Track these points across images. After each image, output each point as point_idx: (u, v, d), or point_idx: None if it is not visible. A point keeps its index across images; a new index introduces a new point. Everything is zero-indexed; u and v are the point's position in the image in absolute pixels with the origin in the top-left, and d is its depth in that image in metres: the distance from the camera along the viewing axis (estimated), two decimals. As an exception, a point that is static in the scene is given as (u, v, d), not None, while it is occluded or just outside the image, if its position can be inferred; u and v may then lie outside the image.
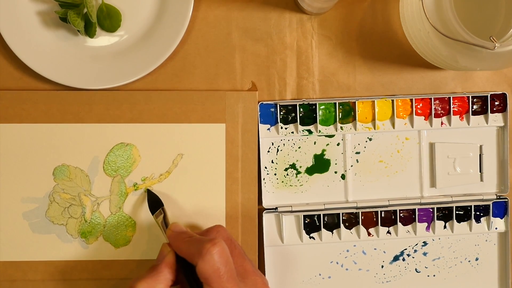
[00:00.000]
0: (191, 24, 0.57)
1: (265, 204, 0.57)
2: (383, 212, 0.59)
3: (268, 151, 0.58)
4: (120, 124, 0.56)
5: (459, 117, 0.59)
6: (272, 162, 0.58)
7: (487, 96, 0.58)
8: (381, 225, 0.58)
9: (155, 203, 0.55)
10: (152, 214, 0.54)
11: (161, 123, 0.56)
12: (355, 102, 0.58)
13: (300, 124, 0.57)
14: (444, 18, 0.48)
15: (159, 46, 0.56)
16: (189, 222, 0.56)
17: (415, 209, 0.58)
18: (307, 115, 0.58)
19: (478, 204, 0.59)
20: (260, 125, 0.57)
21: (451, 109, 0.58)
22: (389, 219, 0.59)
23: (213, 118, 0.57)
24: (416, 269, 0.59)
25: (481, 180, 0.59)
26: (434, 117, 0.58)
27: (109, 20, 0.56)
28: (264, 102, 0.57)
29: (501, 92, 0.58)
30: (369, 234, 0.58)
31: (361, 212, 0.58)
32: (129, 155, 0.57)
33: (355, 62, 0.58)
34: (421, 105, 0.58)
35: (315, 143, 0.58)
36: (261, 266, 0.57)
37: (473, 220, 0.59)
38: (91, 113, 0.56)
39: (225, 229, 0.51)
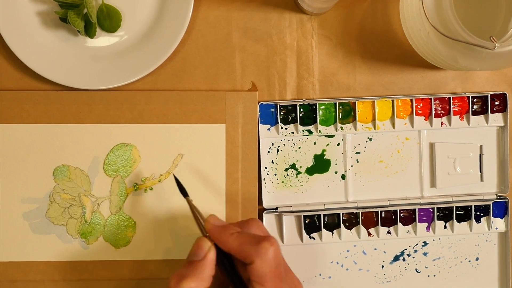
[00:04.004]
0: (191, 25, 0.57)
1: (265, 204, 0.57)
2: (383, 212, 0.59)
3: (268, 151, 0.58)
4: (120, 125, 0.56)
5: (459, 117, 0.59)
6: (272, 162, 0.58)
7: (487, 96, 0.58)
8: (381, 225, 0.58)
9: (183, 188, 0.52)
10: (185, 197, 0.51)
11: (161, 123, 0.56)
12: (355, 102, 0.58)
13: (300, 124, 0.57)
14: (444, 18, 0.48)
15: (159, 46, 0.56)
16: (189, 223, 0.56)
17: (415, 209, 0.58)
18: (307, 115, 0.58)
19: (478, 204, 0.59)
20: (260, 125, 0.57)
21: (451, 109, 0.58)
22: (389, 219, 0.59)
23: (213, 119, 0.57)
24: (416, 269, 0.59)
25: (481, 180, 0.59)
26: (434, 117, 0.58)
27: (109, 21, 0.56)
28: (264, 102, 0.57)
29: (501, 92, 0.58)
30: (369, 234, 0.58)
31: (361, 212, 0.58)
32: (129, 155, 0.57)
33: (355, 62, 0.58)
34: (421, 105, 0.58)
35: (315, 143, 0.58)
36: (262, 266, 0.57)
37: (473, 220, 0.59)
38: (91, 114, 0.56)
39: (263, 225, 0.49)
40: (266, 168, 0.58)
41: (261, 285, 0.44)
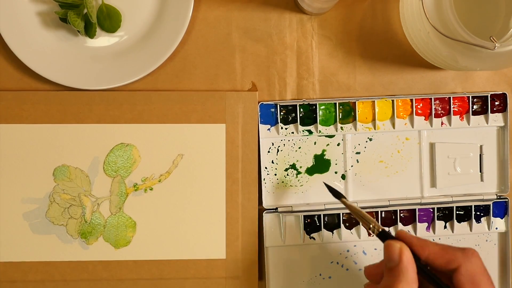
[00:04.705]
0: (191, 25, 0.57)
1: (266, 204, 0.57)
2: (383, 212, 0.58)
3: (269, 152, 0.58)
4: (120, 125, 0.56)
5: (459, 117, 0.59)
6: (272, 162, 0.58)
7: (487, 96, 0.58)
8: (381, 225, 0.58)
9: (337, 194, 0.52)
10: (340, 198, 0.52)
11: (161, 124, 0.56)
12: (355, 102, 0.58)
13: (300, 124, 0.57)
14: (444, 18, 0.48)
15: (159, 46, 0.56)
16: (189, 223, 0.56)
17: (415, 209, 0.58)
18: (307, 115, 0.58)
19: (479, 204, 0.59)
20: (260, 125, 0.57)
21: (451, 109, 0.58)
22: (390, 219, 0.59)
23: (213, 119, 0.57)
24: (416, 269, 0.59)
25: (482, 180, 0.59)
26: (434, 117, 0.58)
27: (109, 21, 0.56)
28: (264, 103, 0.57)
29: (501, 92, 0.58)
30: (369, 234, 0.58)
31: (362, 212, 0.58)
32: (129, 155, 0.57)
33: (355, 62, 0.58)
34: (421, 105, 0.58)
35: (315, 143, 0.58)
36: (262, 267, 0.57)
37: (474, 220, 0.59)
38: (91, 114, 0.56)
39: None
40: (266, 168, 0.58)
41: (476, 286, 0.42)
